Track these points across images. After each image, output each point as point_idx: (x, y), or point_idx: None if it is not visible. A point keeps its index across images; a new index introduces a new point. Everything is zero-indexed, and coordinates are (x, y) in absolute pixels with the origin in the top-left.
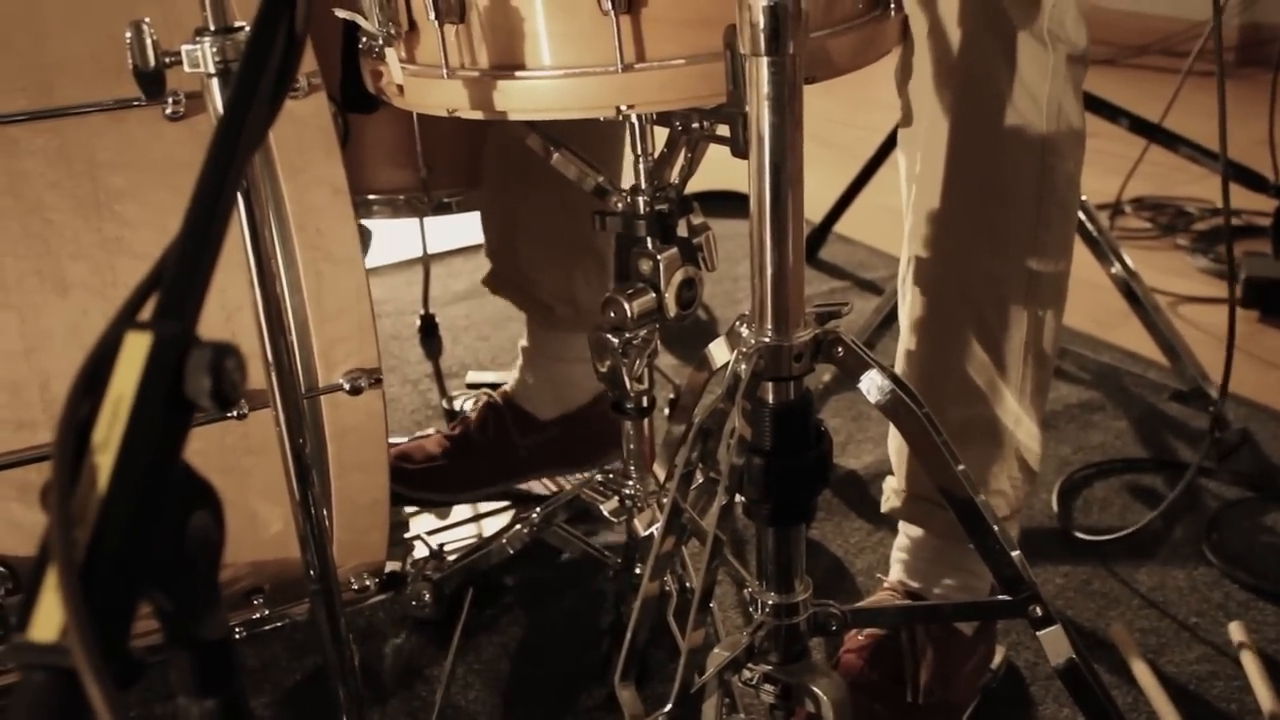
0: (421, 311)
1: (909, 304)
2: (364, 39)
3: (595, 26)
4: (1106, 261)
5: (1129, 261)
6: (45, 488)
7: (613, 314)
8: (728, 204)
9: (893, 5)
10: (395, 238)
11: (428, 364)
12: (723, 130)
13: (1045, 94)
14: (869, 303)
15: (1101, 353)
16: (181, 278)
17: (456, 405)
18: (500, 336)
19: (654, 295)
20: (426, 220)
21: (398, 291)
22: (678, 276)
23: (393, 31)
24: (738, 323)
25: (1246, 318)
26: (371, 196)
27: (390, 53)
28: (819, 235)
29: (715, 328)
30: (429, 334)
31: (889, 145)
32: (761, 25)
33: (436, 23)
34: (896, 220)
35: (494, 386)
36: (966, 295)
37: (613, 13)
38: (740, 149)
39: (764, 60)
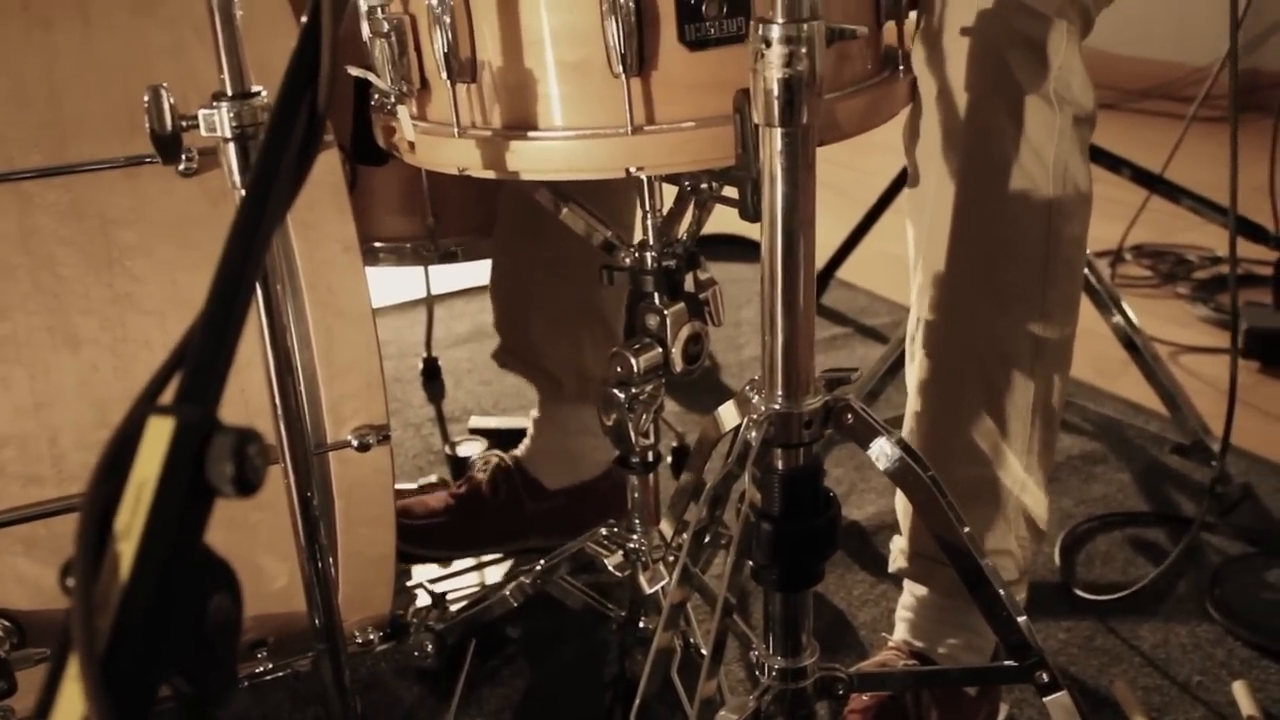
0: (424, 354)
1: (917, 365)
2: (376, 95)
3: (606, 88)
4: (1107, 312)
5: (1130, 313)
6: (65, 567)
7: (619, 369)
8: (733, 248)
9: (901, 67)
10: (399, 278)
11: (430, 407)
12: (730, 191)
13: (1052, 156)
14: (872, 350)
15: (1104, 403)
16: (204, 360)
17: (459, 451)
18: (503, 381)
19: (660, 350)
20: None
21: (400, 333)
22: (684, 332)
23: (405, 89)
24: (748, 387)
25: (1247, 368)
26: (378, 244)
27: (402, 110)
28: (821, 281)
29: (718, 373)
30: (431, 377)
31: (892, 190)
32: (776, 95)
33: (449, 81)
34: (898, 266)
35: (496, 432)
36: (973, 358)
37: (623, 75)
38: (749, 213)
39: (778, 131)
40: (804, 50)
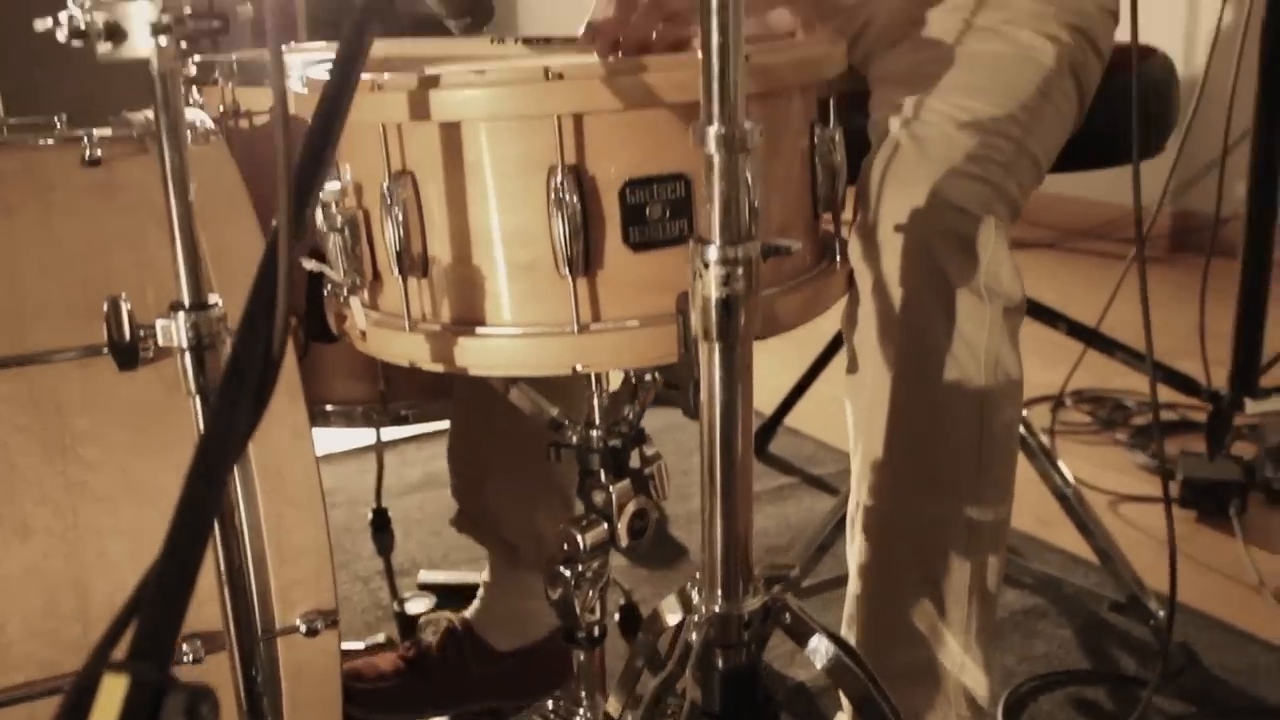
0: (374, 504)
1: (856, 549)
2: (329, 285)
3: (553, 287)
4: (1043, 468)
5: (1064, 470)
6: None
7: (565, 545)
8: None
9: (838, 257)
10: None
11: (379, 560)
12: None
13: (983, 347)
14: (818, 500)
15: (1044, 556)
16: (158, 616)
17: (408, 608)
18: (453, 533)
19: (606, 526)
20: None
21: (349, 480)
22: (630, 508)
23: (357, 281)
24: (689, 585)
25: (1184, 518)
26: (329, 406)
27: (355, 300)
28: (769, 429)
29: (666, 525)
30: (381, 528)
31: (838, 340)
32: (714, 313)
33: (400, 276)
34: (844, 413)
35: (445, 587)
36: (910, 542)
37: (570, 276)
38: (691, 411)
39: (716, 345)
40: (740, 271)
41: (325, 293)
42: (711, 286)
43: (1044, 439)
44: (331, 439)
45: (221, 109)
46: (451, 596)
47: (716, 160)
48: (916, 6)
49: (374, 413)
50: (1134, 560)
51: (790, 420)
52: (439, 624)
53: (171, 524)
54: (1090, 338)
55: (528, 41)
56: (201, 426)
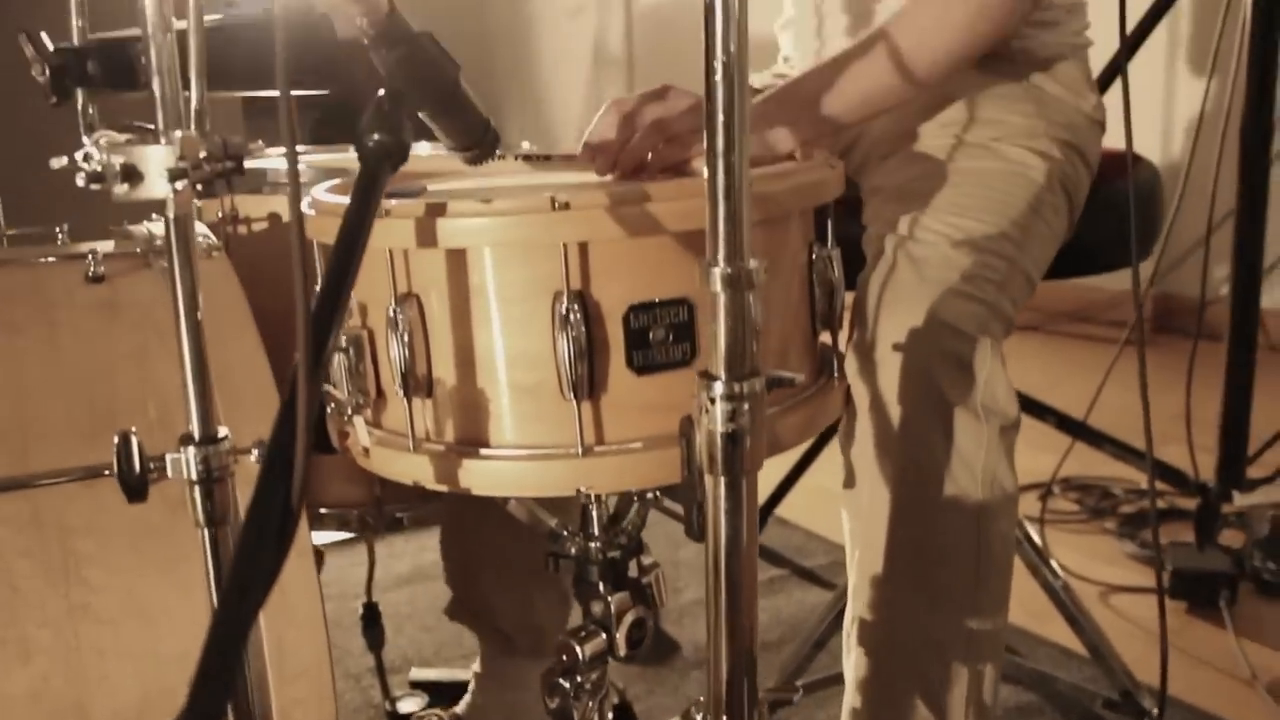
0: (365, 599)
1: (853, 662)
2: (332, 402)
3: (557, 410)
4: (1035, 565)
5: (1055, 566)
6: None
7: (564, 657)
8: None
9: (836, 374)
10: None
11: (369, 656)
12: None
13: (980, 464)
14: (809, 593)
15: (1036, 651)
16: None
17: (400, 707)
18: (444, 627)
19: (604, 637)
20: None
21: (340, 573)
22: (628, 618)
23: (361, 401)
24: (693, 709)
25: (1174, 609)
26: (323, 509)
27: (358, 419)
28: (760, 518)
29: (657, 618)
30: (371, 623)
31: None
32: (720, 448)
33: (404, 397)
34: (834, 502)
35: (436, 685)
36: (907, 655)
37: (574, 399)
38: (694, 533)
39: (721, 479)
40: (746, 406)
41: (328, 409)
42: (718, 422)
43: (1034, 530)
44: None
45: (220, 214)
46: (443, 694)
47: (722, 299)
48: (908, 120)
49: (369, 516)
50: (1126, 653)
51: (780, 510)
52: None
53: (195, 676)
54: (1080, 431)
55: (527, 158)
56: (210, 559)
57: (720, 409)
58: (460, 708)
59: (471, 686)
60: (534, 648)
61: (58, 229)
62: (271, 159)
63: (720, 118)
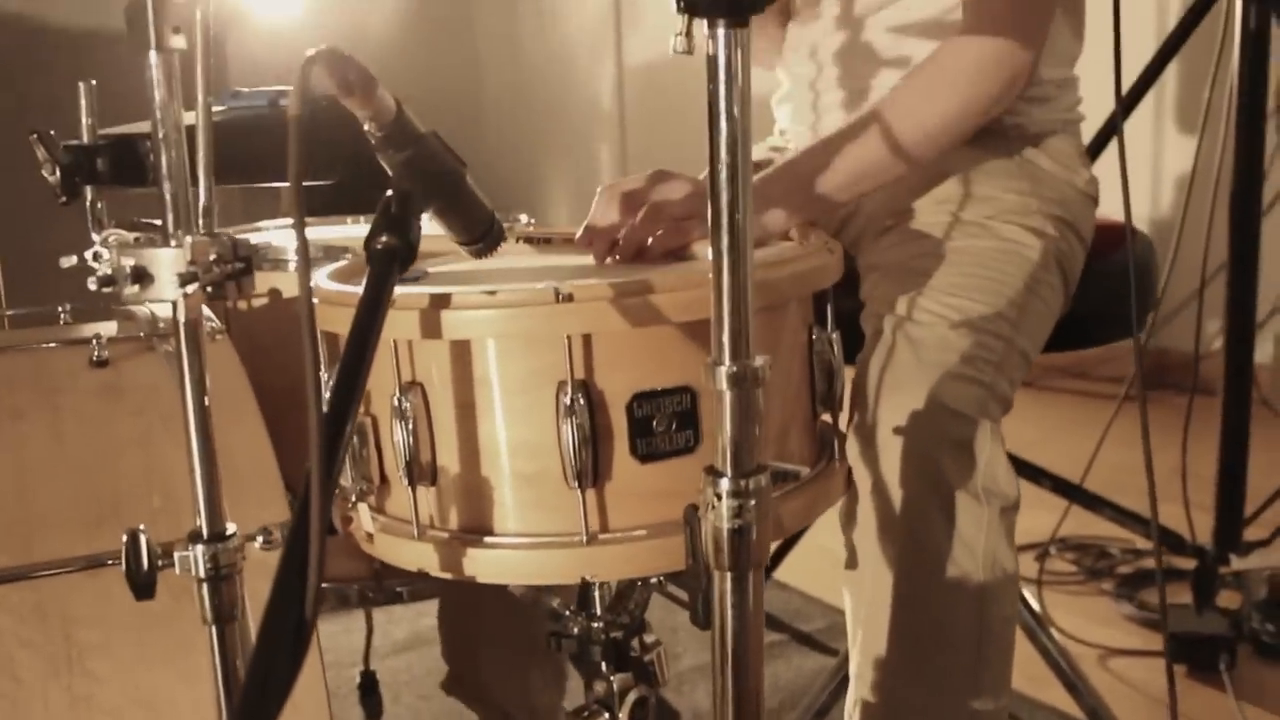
0: (362, 668)
1: None
2: (335, 488)
3: (561, 498)
4: (1033, 631)
5: (1054, 633)
6: None
7: None
8: None
9: (837, 457)
10: None
11: None
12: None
13: (981, 546)
14: (808, 659)
15: (1036, 716)
16: None
17: None
18: (441, 697)
19: (608, 717)
20: None
21: (337, 640)
22: (631, 697)
23: (365, 488)
24: None
25: (1174, 672)
26: (323, 585)
27: (362, 506)
28: None
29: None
30: (369, 692)
31: None
32: (726, 543)
33: (408, 485)
34: (833, 562)
35: None
36: None
37: (578, 487)
38: (700, 621)
39: (728, 575)
40: (752, 502)
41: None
42: (724, 518)
43: (1032, 591)
44: None
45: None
46: None
47: (728, 396)
48: (903, 197)
49: (369, 591)
50: (1127, 717)
51: (779, 573)
52: None
53: None
54: (1077, 494)
55: (528, 240)
56: (218, 656)
57: (726, 505)
58: None
59: None
60: None
61: (60, 309)
62: (270, 232)
63: (725, 217)
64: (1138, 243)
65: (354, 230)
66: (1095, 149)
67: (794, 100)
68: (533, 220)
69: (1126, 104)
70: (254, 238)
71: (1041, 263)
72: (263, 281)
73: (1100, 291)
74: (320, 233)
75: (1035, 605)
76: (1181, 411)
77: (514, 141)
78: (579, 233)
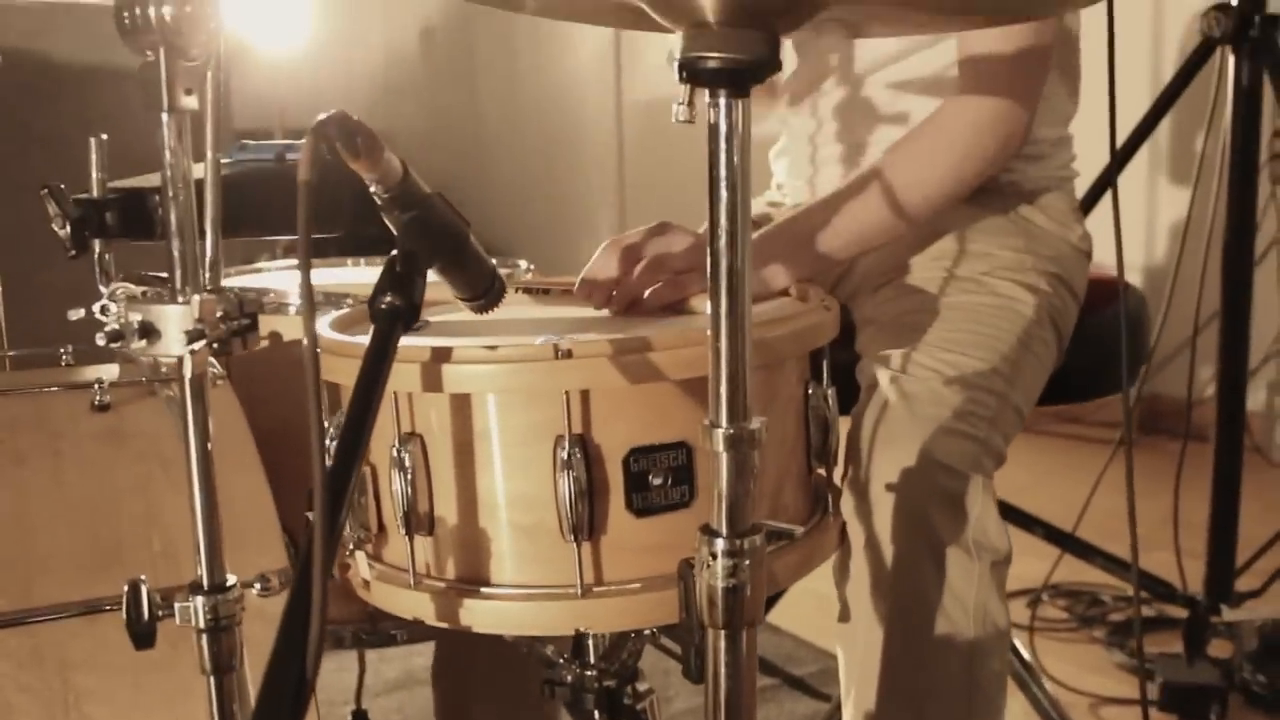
0: (353, 706)
1: None
2: None
3: (557, 551)
4: (1024, 681)
5: (1045, 683)
6: None
7: None
8: None
9: (831, 511)
10: None
11: None
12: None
13: (973, 601)
14: (799, 703)
15: None
16: None
17: None
18: None
19: None
20: None
21: (328, 678)
22: None
23: (363, 536)
24: None
25: None
26: None
27: (360, 554)
28: None
29: None
30: None
31: None
32: (720, 602)
33: (406, 535)
34: (825, 606)
35: None
36: None
37: (574, 540)
38: (692, 675)
39: (721, 631)
40: (747, 562)
41: None
42: (719, 577)
43: (1024, 638)
44: None
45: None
46: None
47: (724, 459)
48: (900, 253)
49: (363, 634)
50: None
51: (771, 617)
52: None
53: None
54: (1068, 543)
55: (527, 290)
56: (216, 707)
57: (721, 565)
58: None
59: None
60: None
61: (61, 350)
62: (270, 274)
63: (724, 282)
64: (1130, 297)
65: (354, 274)
66: (1090, 201)
67: (791, 154)
68: (533, 267)
69: (1121, 158)
70: (254, 280)
71: (1036, 318)
72: (264, 325)
73: (1092, 346)
74: (322, 276)
75: (1026, 653)
76: (1175, 457)
77: (513, 177)
78: (577, 284)
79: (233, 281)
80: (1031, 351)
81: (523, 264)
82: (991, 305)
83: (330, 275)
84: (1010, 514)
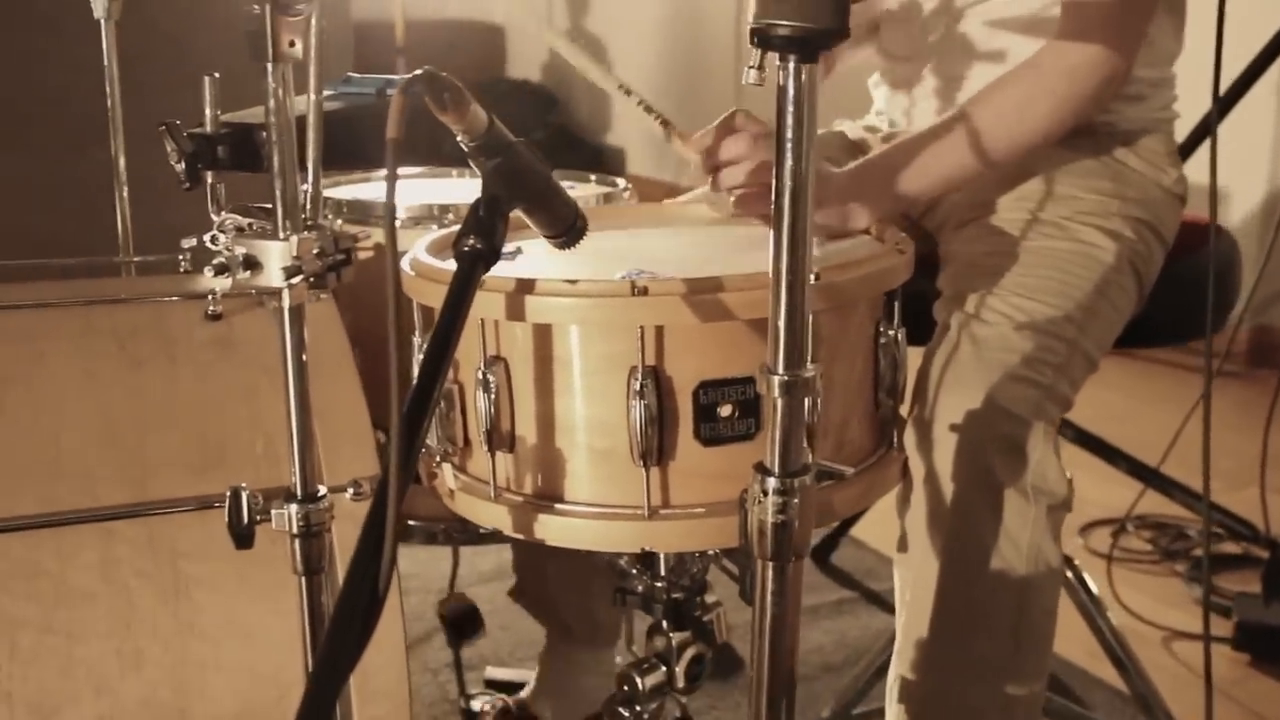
0: (447, 595)
1: (893, 716)
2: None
3: (627, 474)
4: (1089, 611)
5: (1119, 615)
6: None
7: (625, 688)
8: None
9: (896, 445)
10: None
11: (448, 651)
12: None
13: (1026, 542)
14: (875, 617)
15: (1091, 692)
16: None
17: (473, 705)
18: (521, 626)
19: (664, 670)
20: None
21: (425, 567)
22: (688, 654)
23: (449, 449)
24: None
25: (1237, 660)
26: (411, 522)
27: (446, 466)
28: (832, 539)
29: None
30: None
31: None
32: (769, 536)
33: (488, 450)
34: None
35: (510, 685)
36: (946, 717)
37: (643, 466)
38: (747, 597)
39: (770, 564)
40: (795, 500)
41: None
42: (769, 513)
43: (1102, 566)
44: None
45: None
46: (515, 693)
47: (779, 404)
48: (988, 190)
49: (455, 532)
50: (1184, 701)
51: (856, 530)
52: (495, 706)
53: None
54: (1150, 477)
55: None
56: (306, 604)
57: (771, 502)
58: (524, 693)
59: (536, 671)
60: (591, 638)
61: (180, 257)
62: (378, 184)
63: (786, 236)
64: (1224, 241)
65: (457, 185)
66: (1192, 144)
67: (889, 84)
68: (630, 187)
69: (1235, 92)
70: (361, 190)
71: (1115, 265)
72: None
73: (1178, 293)
74: (424, 189)
75: (1094, 585)
76: (1269, 406)
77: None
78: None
79: (344, 191)
80: (1107, 299)
81: (620, 183)
82: (1070, 251)
83: (434, 188)
84: (1094, 445)
